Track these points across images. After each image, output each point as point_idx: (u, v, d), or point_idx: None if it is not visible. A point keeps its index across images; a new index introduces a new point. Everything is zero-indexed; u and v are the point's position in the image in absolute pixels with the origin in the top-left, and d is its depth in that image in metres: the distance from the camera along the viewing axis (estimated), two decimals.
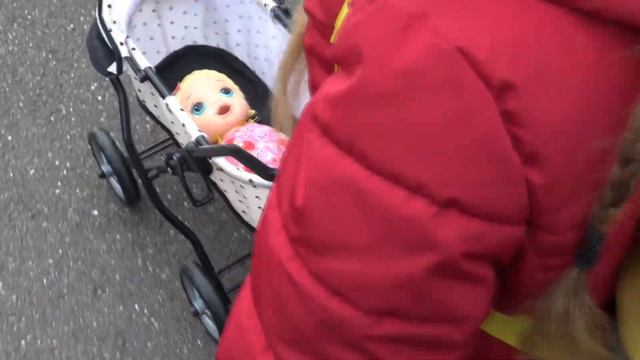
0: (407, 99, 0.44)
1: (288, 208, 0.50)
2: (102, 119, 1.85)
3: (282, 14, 1.35)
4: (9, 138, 1.84)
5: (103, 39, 1.30)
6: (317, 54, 0.55)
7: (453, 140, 0.43)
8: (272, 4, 1.36)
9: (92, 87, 1.92)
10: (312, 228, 0.49)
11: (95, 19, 1.30)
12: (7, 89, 1.93)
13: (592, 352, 0.54)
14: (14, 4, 2.14)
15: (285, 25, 1.35)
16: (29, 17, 2.12)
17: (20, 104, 1.90)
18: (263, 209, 0.56)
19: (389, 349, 0.50)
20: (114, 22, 1.29)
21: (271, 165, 1.17)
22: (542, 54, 0.43)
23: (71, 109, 1.89)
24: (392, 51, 0.44)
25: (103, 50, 1.30)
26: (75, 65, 1.96)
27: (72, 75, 1.95)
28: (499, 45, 0.42)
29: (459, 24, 0.43)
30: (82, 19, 2.08)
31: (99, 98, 1.90)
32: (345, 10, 0.50)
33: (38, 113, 1.88)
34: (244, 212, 1.35)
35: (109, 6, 1.30)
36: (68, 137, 1.84)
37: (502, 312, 0.59)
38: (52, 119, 1.87)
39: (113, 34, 1.28)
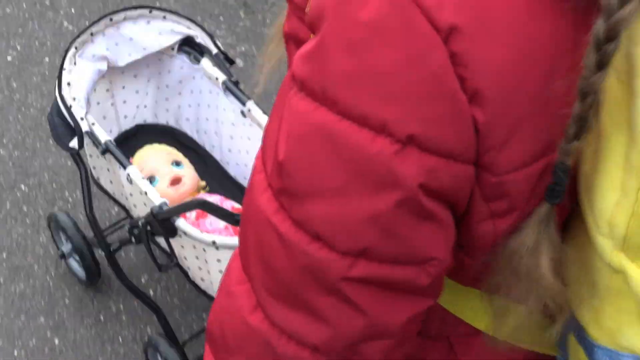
0: (368, 47, 0.49)
1: (272, 165, 0.56)
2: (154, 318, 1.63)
3: (233, 86, 1.44)
4: (56, 341, 1.71)
5: (63, 116, 1.35)
6: (295, 37, 0.60)
7: (408, 81, 0.49)
8: (223, 77, 1.45)
9: (143, 280, 1.78)
10: (292, 177, 0.54)
11: (56, 96, 1.37)
12: (50, 282, 1.78)
13: (553, 290, 0.59)
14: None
15: (236, 97, 1.44)
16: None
17: (67, 301, 1.76)
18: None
19: (363, 291, 0.55)
20: (74, 99, 1.35)
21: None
22: (483, 1, 0.49)
23: (121, 306, 1.75)
24: (353, 5, 0.50)
25: (64, 126, 1.35)
26: (124, 255, 1.78)
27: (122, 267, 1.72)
28: None
29: None
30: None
31: (151, 292, 1.76)
32: None
33: (86, 312, 1.74)
34: (202, 279, 1.40)
35: (68, 84, 1.37)
36: (120, 339, 1.71)
37: (459, 281, 0.65)
38: (102, 317, 1.74)
39: (73, 110, 1.33)
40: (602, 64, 0.48)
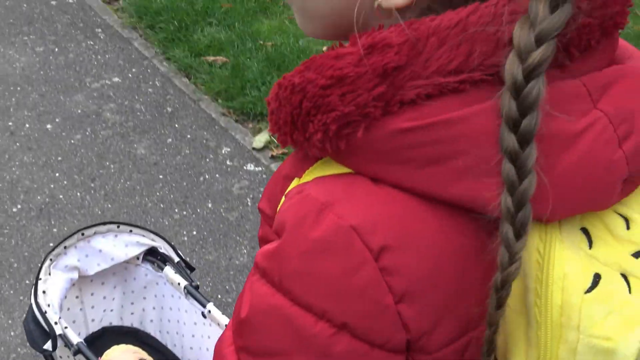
0: (314, 257, 0.64)
1: (235, 325, 0.73)
2: None
3: (193, 290, 1.61)
4: None
5: (38, 321, 1.49)
6: (266, 239, 0.75)
7: (346, 285, 0.64)
8: (185, 283, 1.62)
9: None
10: (250, 337, 0.70)
11: (31, 304, 1.51)
12: None
13: None
14: None
15: (197, 300, 1.60)
16: None
17: None
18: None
19: None
20: (48, 305, 1.50)
21: None
22: (406, 225, 0.64)
23: None
24: (308, 226, 0.64)
25: (39, 331, 1.48)
26: None
27: None
28: (379, 222, 0.64)
29: (354, 210, 0.64)
30: None
31: None
32: (282, 200, 0.71)
33: None
34: None
35: (44, 292, 1.51)
36: None
37: None
38: None
39: (48, 315, 1.47)
40: (500, 300, 0.64)
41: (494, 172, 0.61)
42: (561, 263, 0.63)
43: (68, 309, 1.67)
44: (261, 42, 3.48)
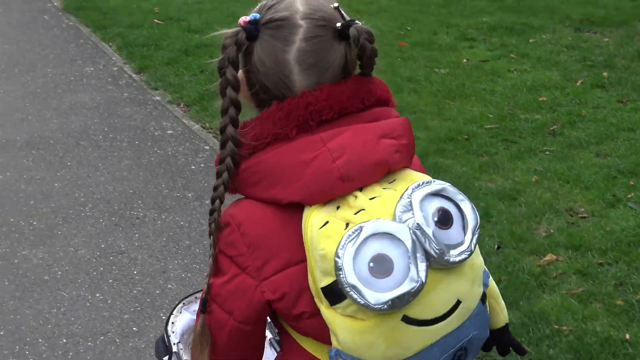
0: (221, 229, 1.28)
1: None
2: None
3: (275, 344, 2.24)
4: None
5: (164, 340, 2.18)
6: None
7: (229, 241, 1.28)
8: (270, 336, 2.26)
9: None
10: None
11: (164, 329, 2.21)
12: None
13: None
14: None
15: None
16: None
17: None
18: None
19: None
20: (173, 332, 2.19)
21: None
22: (252, 214, 1.26)
23: None
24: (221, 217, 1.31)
25: (163, 347, 2.17)
26: None
27: None
28: (241, 213, 1.27)
29: (234, 210, 1.29)
30: None
31: None
32: None
33: None
34: None
35: (172, 323, 2.21)
36: None
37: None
38: None
39: (171, 338, 2.16)
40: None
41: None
42: (312, 218, 1.17)
43: (184, 337, 2.37)
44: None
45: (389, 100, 1.36)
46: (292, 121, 1.22)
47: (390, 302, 1.11)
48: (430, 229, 1.14)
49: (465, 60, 6.39)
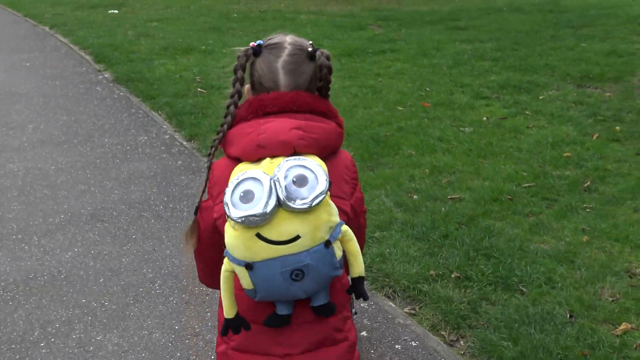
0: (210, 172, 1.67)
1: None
2: None
3: None
4: None
5: None
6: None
7: (214, 178, 1.65)
8: None
9: None
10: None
11: None
12: None
13: None
14: None
15: None
16: None
17: None
18: None
19: None
20: None
21: None
22: (221, 164, 1.63)
23: None
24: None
25: None
26: None
27: None
28: (217, 164, 1.66)
29: (217, 164, 1.66)
30: None
31: None
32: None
33: None
34: None
35: None
36: None
37: None
38: None
39: None
40: None
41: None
42: (238, 167, 1.56)
43: None
44: None
45: (326, 113, 1.64)
46: (251, 110, 1.59)
47: (243, 218, 1.41)
48: (284, 182, 1.42)
49: (485, 118, 5.88)
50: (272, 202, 1.40)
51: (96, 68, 7.98)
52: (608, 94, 6.52)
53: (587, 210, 4.09)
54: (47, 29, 10.77)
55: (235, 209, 1.42)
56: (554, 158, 4.92)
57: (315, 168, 1.44)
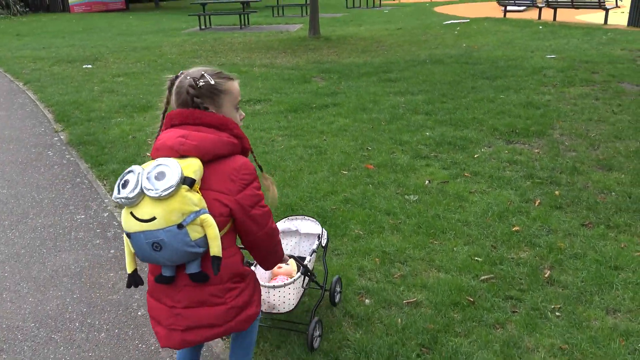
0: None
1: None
2: None
3: None
4: None
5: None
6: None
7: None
8: None
9: None
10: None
11: None
12: None
13: None
14: None
15: None
16: None
17: None
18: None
19: None
20: None
21: None
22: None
23: None
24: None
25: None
26: None
27: None
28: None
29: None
30: None
31: None
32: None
33: None
34: None
35: None
36: None
37: None
38: None
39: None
40: None
41: None
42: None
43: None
44: None
45: (218, 126, 1.66)
46: (167, 122, 1.69)
47: (118, 199, 1.55)
48: (145, 176, 1.53)
49: (427, 181, 4.58)
50: (137, 190, 1.53)
51: (54, 128, 6.39)
52: (537, 150, 5.31)
53: (557, 314, 2.82)
54: (21, 85, 9.04)
55: (116, 193, 1.55)
56: (504, 234, 3.65)
57: (173, 169, 1.53)
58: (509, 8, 18.45)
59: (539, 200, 4.18)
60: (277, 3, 23.21)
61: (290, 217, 2.71)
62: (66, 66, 10.53)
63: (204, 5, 18.57)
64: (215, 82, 1.68)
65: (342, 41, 13.22)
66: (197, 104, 1.66)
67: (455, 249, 3.47)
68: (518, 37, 12.66)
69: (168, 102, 1.71)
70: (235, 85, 1.73)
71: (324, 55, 11.37)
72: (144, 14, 26.02)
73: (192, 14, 18.70)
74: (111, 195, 4.42)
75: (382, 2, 27.67)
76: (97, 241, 3.68)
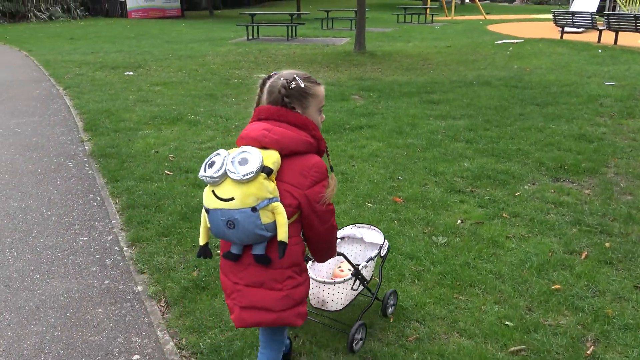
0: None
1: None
2: None
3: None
4: None
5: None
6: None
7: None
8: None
9: None
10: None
11: None
12: None
13: None
14: None
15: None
16: None
17: None
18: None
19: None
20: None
21: None
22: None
23: None
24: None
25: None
26: None
27: None
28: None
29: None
30: None
31: None
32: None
33: None
34: None
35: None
36: None
37: None
38: None
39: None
40: None
41: None
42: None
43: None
44: None
45: (300, 125, 1.81)
46: (255, 115, 1.86)
47: (203, 177, 1.73)
48: (230, 160, 1.72)
49: (459, 221, 4.14)
50: (221, 171, 1.71)
51: (81, 137, 6.28)
52: (587, 191, 4.77)
53: None
54: (61, 89, 9.09)
55: (202, 172, 1.74)
56: (542, 293, 3.18)
57: (255, 157, 1.71)
58: (566, 29, 17.60)
59: (585, 253, 3.67)
60: (327, 15, 23.05)
61: (357, 225, 2.87)
62: (108, 72, 10.59)
63: (252, 15, 18.58)
64: (305, 85, 1.85)
65: (388, 57, 12.84)
66: (286, 103, 1.83)
67: (483, 307, 3.03)
68: (574, 61, 11.95)
69: (259, 98, 1.88)
70: (321, 89, 1.92)
71: (367, 71, 11.02)
72: (197, 21, 26.44)
73: (240, 24, 18.76)
74: (120, 214, 4.19)
75: (434, 18, 27.11)
76: (94, 269, 3.43)
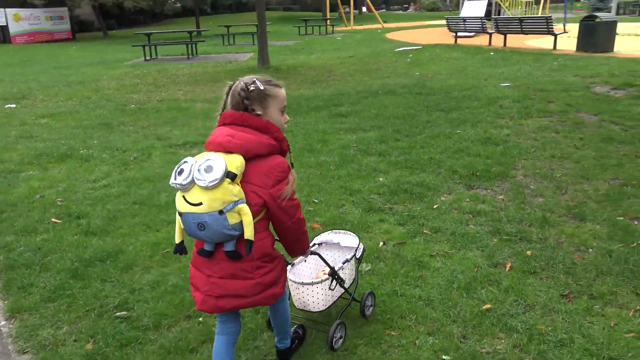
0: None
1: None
2: None
3: None
4: None
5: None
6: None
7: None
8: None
9: None
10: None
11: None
12: None
13: None
14: None
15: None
16: None
17: None
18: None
19: None
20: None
21: None
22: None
23: None
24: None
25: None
26: None
27: None
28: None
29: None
30: None
31: None
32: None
33: None
34: None
35: None
36: None
37: None
38: None
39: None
40: None
41: None
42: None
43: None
44: None
45: (261, 128, 1.96)
46: (220, 120, 2.00)
47: (174, 184, 1.87)
48: (197, 168, 1.86)
49: (382, 243, 3.93)
50: (189, 178, 1.86)
51: None
52: (500, 196, 4.76)
53: None
54: None
55: (172, 179, 1.88)
56: (473, 315, 3.02)
57: (219, 164, 1.85)
58: (459, 34, 18.39)
59: (509, 264, 3.59)
60: (228, 31, 22.59)
61: (334, 230, 2.98)
62: None
63: (149, 35, 17.75)
64: (264, 87, 2.00)
65: (293, 71, 12.66)
66: (247, 105, 1.98)
67: (417, 342, 2.81)
68: (470, 64, 12.40)
69: (225, 104, 2.01)
70: (282, 91, 2.08)
71: None
72: (90, 43, 24.97)
73: (136, 44, 17.83)
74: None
75: (334, 28, 27.47)
76: None
